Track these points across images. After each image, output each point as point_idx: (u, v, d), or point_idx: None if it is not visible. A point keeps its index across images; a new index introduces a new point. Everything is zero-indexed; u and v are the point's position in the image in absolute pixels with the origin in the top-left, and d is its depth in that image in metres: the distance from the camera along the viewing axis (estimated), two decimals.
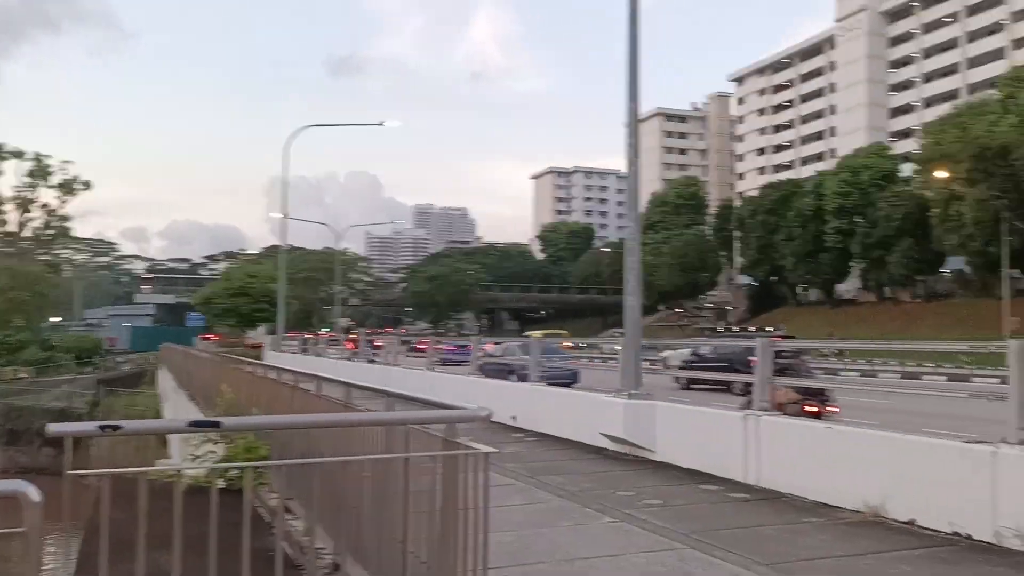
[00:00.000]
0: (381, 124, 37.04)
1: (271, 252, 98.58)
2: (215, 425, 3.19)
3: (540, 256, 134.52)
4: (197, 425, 3.16)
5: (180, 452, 15.67)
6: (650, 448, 10.55)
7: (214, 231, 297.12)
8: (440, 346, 24.87)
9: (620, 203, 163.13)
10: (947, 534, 6.19)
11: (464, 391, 16.49)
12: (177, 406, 24.76)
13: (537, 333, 51.86)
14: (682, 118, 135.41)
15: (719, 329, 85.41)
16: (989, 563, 5.55)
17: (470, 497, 3.39)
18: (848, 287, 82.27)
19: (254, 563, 4.34)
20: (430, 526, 3.66)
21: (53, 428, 3.02)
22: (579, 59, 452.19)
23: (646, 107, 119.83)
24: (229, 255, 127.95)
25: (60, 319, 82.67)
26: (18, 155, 75.98)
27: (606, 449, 11.32)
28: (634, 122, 11.34)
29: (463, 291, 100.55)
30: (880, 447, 6.93)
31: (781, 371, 9.28)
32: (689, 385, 21.96)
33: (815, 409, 10.43)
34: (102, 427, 3.10)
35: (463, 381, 18.12)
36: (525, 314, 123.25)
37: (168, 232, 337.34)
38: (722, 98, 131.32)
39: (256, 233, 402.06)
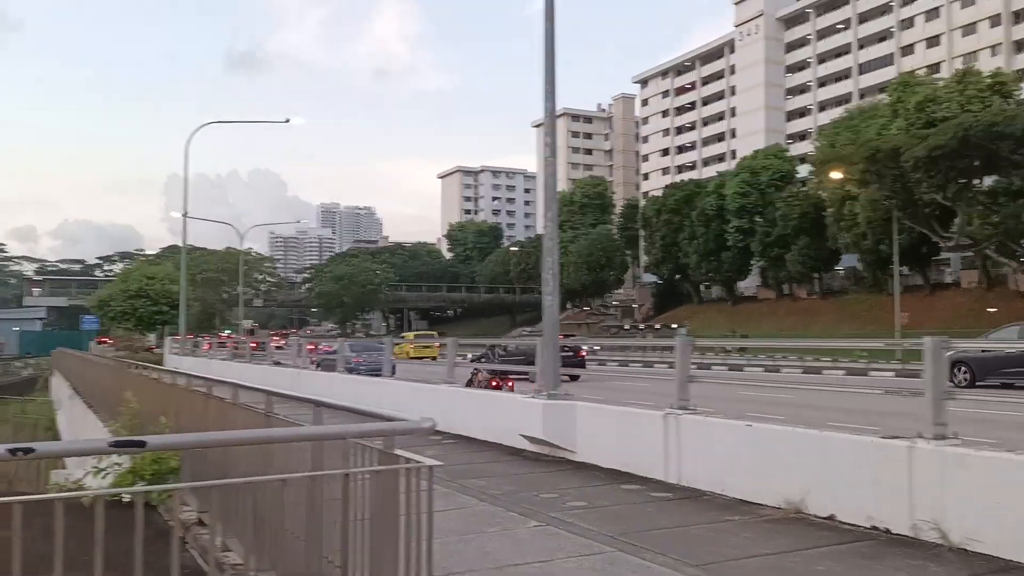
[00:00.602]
0: (287, 121, 36.25)
1: (170, 252, 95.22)
2: (140, 444, 2.96)
3: (448, 255, 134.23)
4: (120, 445, 2.93)
5: (79, 463, 14.88)
6: (570, 448, 10.57)
7: (109, 231, 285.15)
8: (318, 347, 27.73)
9: (528, 202, 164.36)
10: (867, 528, 6.38)
11: (378, 394, 16.22)
12: (73, 414, 23.59)
13: (410, 335, 52.51)
14: (588, 119, 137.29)
15: (625, 327, 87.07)
16: (908, 556, 5.73)
17: (412, 512, 3.26)
18: (748, 284, 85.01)
19: None
20: (364, 542, 3.51)
21: None
22: (485, 58, 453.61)
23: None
24: (125, 255, 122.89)
25: None
26: None
27: (525, 450, 11.30)
28: (551, 120, 11.38)
29: (370, 291, 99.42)
30: (799, 444, 7.10)
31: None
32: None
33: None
34: (12, 451, 2.84)
35: (374, 384, 17.84)
36: (433, 313, 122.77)
37: (59, 232, 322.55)
38: (627, 99, 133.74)
39: (154, 233, 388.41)
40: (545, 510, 7.58)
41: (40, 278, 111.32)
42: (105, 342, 53.65)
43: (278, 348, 30.36)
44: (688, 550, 6.04)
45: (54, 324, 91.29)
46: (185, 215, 35.69)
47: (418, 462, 3.23)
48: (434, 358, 34.57)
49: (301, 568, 4.86)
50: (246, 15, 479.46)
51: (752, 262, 78.43)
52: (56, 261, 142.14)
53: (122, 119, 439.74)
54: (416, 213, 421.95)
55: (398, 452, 3.47)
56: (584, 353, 24.29)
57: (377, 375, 19.12)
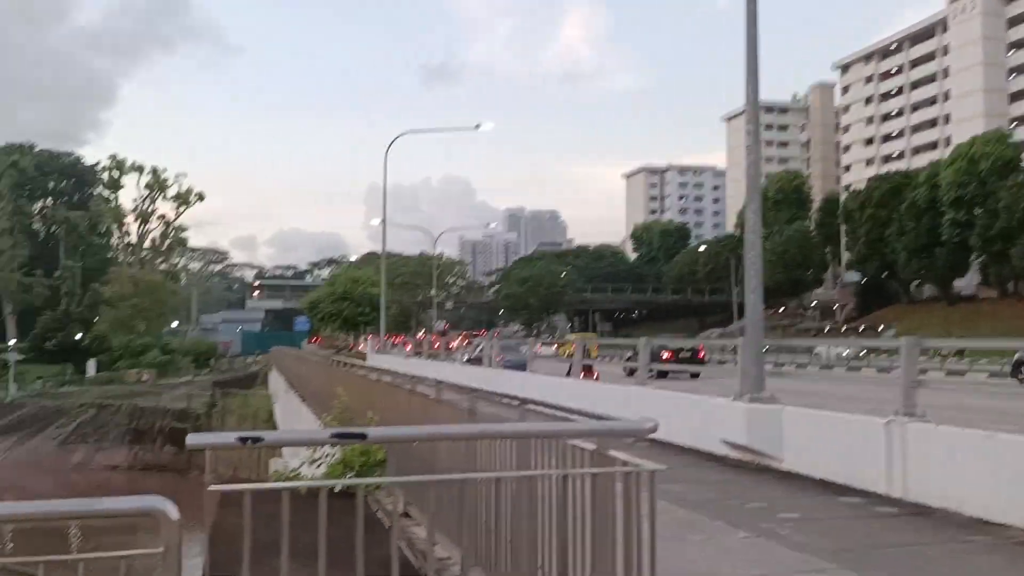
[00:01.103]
0: (477, 127, 37.18)
1: (370, 258, 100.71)
2: (361, 437, 2.97)
3: (633, 257, 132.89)
4: (342, 437, 2.95)
5: (294, 453, 15.80)
6: (776, 456, 9.99)
7: (317, 238, 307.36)
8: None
9: (716, 200, 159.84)
10: None
11: (571, 394, 16.16)
12: (288, 407, 25.32)
13: (572, 336, 52.77)
14: (782, 110, 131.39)
15: (824, 329, 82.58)
16: None
17: (632, 519, 3.07)
18: (966, 282, 78.05)
19: (374, 569, 4.26)
20: (582, 548, 3.35)
21: (193, 440, 2.86)
22: (672, 56, 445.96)
23: (743, 100, 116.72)
24: (332, 261, 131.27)
25: (178, 324, 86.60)
26: (138, 170, 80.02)
27: (726, 456, 10.81)
28: (754, 105, 10.82)
29: (555, 293, 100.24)
30: None
31: None
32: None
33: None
34: (242, 439, 2.92)
35: (564, 384, 17.81)
36: (618, 316, 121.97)
37: (275, 240, 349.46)
38: (825, 88, 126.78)
39: (356, 240, 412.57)
40: (754, 520, 7.16)
41: (259, 283, 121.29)
42: (315, 341, 57.59)
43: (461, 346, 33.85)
44: (925, 573, 5.45)
45: (271, 325, 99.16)
46: (384, 222, 37.49)
47: (637, 465, 3.04)
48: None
49: (509, 568, 4.80)
50: (442, 30, 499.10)
51: (971, 258, 71.96)
52: (272, 267, 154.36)
53: (330, 134, 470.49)
54: (600, 215, 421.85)
55: (613, 453, 3.29)
56: (703, 354, 25.05)
57: (522, 370, 21.61)
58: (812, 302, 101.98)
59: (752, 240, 10.83)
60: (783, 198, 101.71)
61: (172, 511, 2.57)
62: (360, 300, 48.34)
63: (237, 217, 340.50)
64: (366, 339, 51.50)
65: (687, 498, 8.17)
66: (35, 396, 57.60)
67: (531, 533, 3.86)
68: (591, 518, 3.26)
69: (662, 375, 19.66)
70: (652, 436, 10.85)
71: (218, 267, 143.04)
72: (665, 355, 21.90)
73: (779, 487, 8.84)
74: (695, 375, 21.24)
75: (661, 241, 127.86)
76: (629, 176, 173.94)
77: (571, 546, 3.31)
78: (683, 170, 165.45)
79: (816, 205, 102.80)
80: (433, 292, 60.91)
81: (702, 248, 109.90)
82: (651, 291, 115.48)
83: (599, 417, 3.41)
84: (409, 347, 37.65)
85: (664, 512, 7.68)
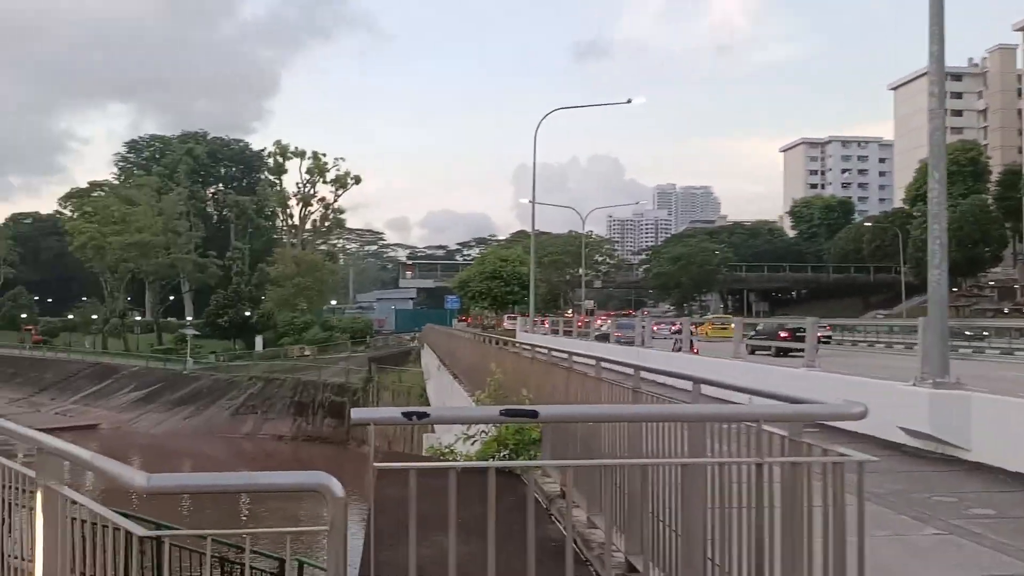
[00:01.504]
0: (628, 102, 36.50)
1: (519, 237, 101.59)
2: (532, 415, 2.76)
3: (791, 234, 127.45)
4: (512, 414, 2.74)
5: (447, 428, 15.95)
6: (963, 446, 9.14)
7: (467, 219, 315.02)
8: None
9: (883, 174, 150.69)
10: None
11: (734, 375, 15.52)
12: (440, 383, 25.83)
13: (709, 316, 51.13)
14: (957, 76, 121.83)
15: (1004, 310, 76.44)
16: None
17: (834, 516, 2.70)
18: None
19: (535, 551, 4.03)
20: (774, 544, 3.01)
21: (358, 415, 2.74)
22: (831, 24, 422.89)
23: (913, 67, 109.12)
24: (480, 241, 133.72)
25: (336, 303, 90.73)
26: (299, 155, 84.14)
27: (903, 445, 10.00)
28: (938, 64, 9.86)
29: (708, 272, 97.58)
30: None
31: None
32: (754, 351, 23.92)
33: None
34: (407, 415, 2.78)
35: (720, 365, 17.15)
36: (775, 295, 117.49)
37: (427, 221, 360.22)
38: (1006, 50, 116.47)
39: (504, 219, 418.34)
40: (943, 515, 6.53)
41: (411, 262, 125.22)
42: (464, 320, 58.77)
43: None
44: None
45: (422, 303, 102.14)
46: (533, 201, 37.53)
47: (844, 454, 2.67)
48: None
49: (680, 561, 4.50)
50: (594, 4, 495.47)
51: None
52: (423, 247, 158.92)
53: (479, 116, 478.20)
54: (755, 191, 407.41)
55: (807, 441, 2.93)
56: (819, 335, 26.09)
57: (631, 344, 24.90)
58: (990, 282, 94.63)
59: (936, 211, 9.93)
60: (957, 170, 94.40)
61: (338, 489, 2.46)
62: (509, 279, 48.81)
63: (391, 199, 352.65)
64: (510, 318, 52.03)
65: (868, 489, 7.56)
66: (209, 369, 61.90)
67: (699, 523, 3.57)
68: (784, 512, 2.92)
69: (781, 353, 21.12)
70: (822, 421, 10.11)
71: (373, 248, 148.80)
72: (783, 334, 23.29)
73: (968, 480, 8.08)
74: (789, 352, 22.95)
75: (822, 217, 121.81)
76: (787, 150, 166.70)
77: (766, 541, 2.98)
78: (846, 142, 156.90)
79: (995, 177, 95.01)
80: (582, 271, 60.68)
81: (867, 223, 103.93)
82: (811, 269, 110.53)
83: (795, 400, 3.04)
84: (547, 324, 39.19)
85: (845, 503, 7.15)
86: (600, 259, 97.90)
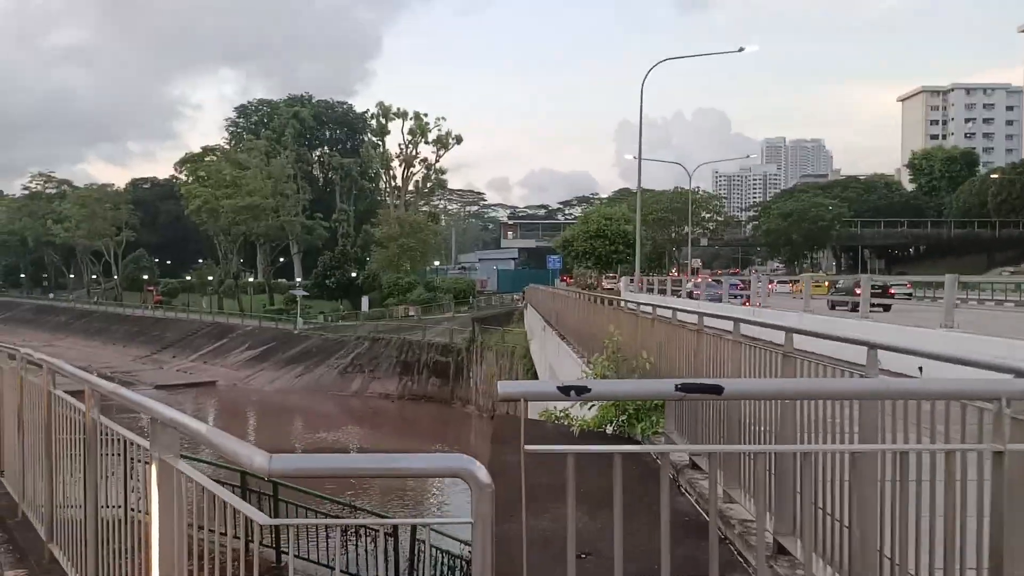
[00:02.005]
0: (740, 50, 34.80)
1: (621, 195, 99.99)
2: (715, 390, 2.26)
3: (910, 188, 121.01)
4: (689, 389, 2.25)
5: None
6: None
7: (568, 178, 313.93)
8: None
9: (1010, 123, 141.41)
10: None
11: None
12: (545, 344, 25.49)
13: (808, 275, 48.93)
14: None
15: None
16: None
17: None
18: None
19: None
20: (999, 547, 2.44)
21: (506, 388, 2.31)
22: None
23: None
24: (582, 200, 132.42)
25: (439, 264, 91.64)
26: (401, 116, 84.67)
27: None
28: None
29: (821, 228, 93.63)
30: None
31: None
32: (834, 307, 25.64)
33: None
34: (563, 389, 2.32)
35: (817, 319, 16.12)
36: (892, 252, 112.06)
37: (527, 181, 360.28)
38: None
39: (606, 178, 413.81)
40: None
41: (512, 223, 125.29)
42: (567, 280, 58.27)
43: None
44: None
45: (524, 264, 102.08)
46: (640, 157, 36.46)
47: None
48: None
49: (847, 552, 3.95)
50: None
51: None
52: (524, 207, 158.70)
53: (579, 73, 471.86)
54: (870, 144, 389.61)
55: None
56: (893, 291, 27.93)
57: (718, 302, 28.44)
58: None
59: None
60: None
61: (483, 475, 2.05)
62: (613, 238, 47.86)
63: (492, 159, 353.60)
64: (608, 278, 51.01)
65: None
66: (319, 329, 63.60)
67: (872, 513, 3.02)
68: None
69: (854, 308, 21.78)
70: None
71: (474, 208, 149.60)
72: (857, 291, 24.01)
73: None
74: (887, 308, 24.50)
75: (944, 169, 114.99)
76: (905, 99, 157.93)
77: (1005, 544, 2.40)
78: (970, 89, 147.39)
79: None
80: (688, 229, 59.06)
81: (994, 175, 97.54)
82: (930, 225, 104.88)
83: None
84: (641, 283, 39.62)
85: None
86: (707, 216, 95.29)
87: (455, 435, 44.25)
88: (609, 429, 9.45)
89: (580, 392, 2.37)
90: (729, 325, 6.65)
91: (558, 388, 2.39)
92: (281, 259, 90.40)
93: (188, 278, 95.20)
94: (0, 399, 6.79)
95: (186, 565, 2.91)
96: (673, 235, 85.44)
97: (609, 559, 2.69)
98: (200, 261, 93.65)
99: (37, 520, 5.52)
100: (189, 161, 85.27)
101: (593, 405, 9.52)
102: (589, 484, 7.85)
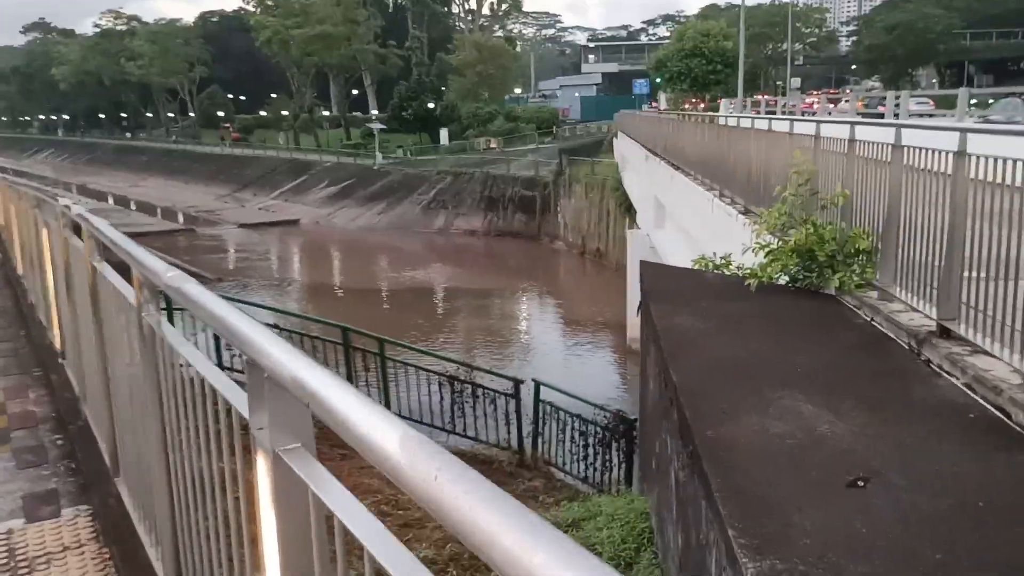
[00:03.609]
0: None
1: (710, 12, 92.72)
2: None
3: None
4: None
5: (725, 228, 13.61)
6: None
7: None
8: None
9: None
10: None
11: None
12: (652, 175, 23.37)
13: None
14: None
15: None
16: None
17: None
18: None
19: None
20: None
21: None
22: None
23: None
24: (668, 18, 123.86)
25: (520, 92, 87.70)
26: None
27: None
28: None
29: (929, 41, 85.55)
30: None
31: None
32: None
33: None
34: None
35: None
36: (1008, 66, 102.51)
37: (603, 1, 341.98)
38: None
39: None
40: None
41: (593, 45, 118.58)
42: (655, 106, 54.59)
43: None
44: None
45: (608, 90, 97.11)
46: None
47: None
48: None
49: None
50: None
51: None
52: (603, 29, 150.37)
53: None
54: None
55: None
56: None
57: None
58: None
59: None
60: None
61: None
62: (711, 56, 43.73)
63: None
64: (690, 103, 47.17)
65: None
66: (398, 164, 62.06)
67: None
68: None
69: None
70: None
71: (550, 32, 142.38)
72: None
73: None
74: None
75: None
76: None
77: None
78: None
79: None
80: (787, 46, 53.93)
81: None
82: None
83: None
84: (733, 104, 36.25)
85: None
86: (808, 31, 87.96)
87: (544, 272, 43.08)
88: (782, 280, 7.56)
89: None
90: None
91: None
92: (355, 91, 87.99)
93: (263, 114, 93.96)
94: (50, 266, 5.32)
95: None
96: (770, 52, 79.30)
97: (901, 489, 2.23)
98: (274, 96, 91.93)
99: (99, 432, 4.11)
100: None
101: (769, 247, 7.62)
102: (799, 357, 6.09)
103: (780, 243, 7.48)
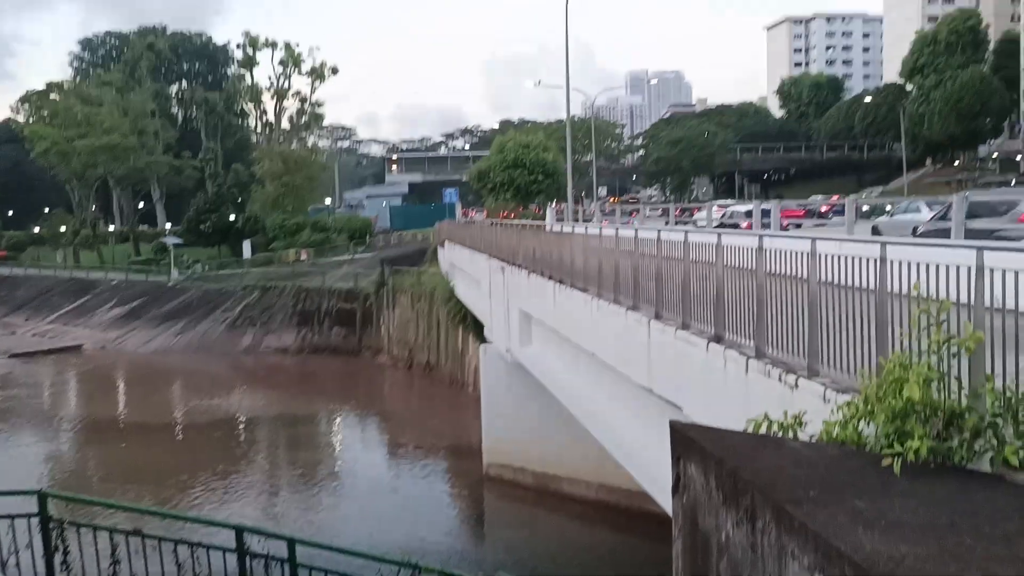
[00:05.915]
0: None
1: (504, 128, 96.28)
2: None
3: (778, 114, 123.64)
4: None
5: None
6: None
7: (439, 112, 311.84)
8: None
9: (867, 50, 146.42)
10: None
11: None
12: (511, 285, 22.24)
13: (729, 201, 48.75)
14: None
15: (1011, 183, 74.10)
16: None
17: None
18: None
19: None
20: None
21: None
22: None
23: None
24: (466, 131, 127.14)
25: (328, 201, 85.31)
26: (271, 46, 77.37)
27: None
28: None
29: (708, 155, 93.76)
30: None
31: None
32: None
33: None
34: None
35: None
36: (767, 176, 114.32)
37: (396, 116, 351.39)
38: None
39: (476, 111, 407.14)
40: None
41: (395, 157, 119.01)
42: (468, 214, 54.58)
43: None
44: None
45: (413, 199, 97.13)
46: (568, 80, 33.20)
47: None
48: None
49: None
50: None
51: None
52: (400, 141, 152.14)
53: (441, 3, 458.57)
54: (728, 74, 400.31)
55: None
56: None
57: None
58: (992, 153, 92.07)
59: None
60: (956, 40, 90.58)
61: None
62: (532, 167, 44.36)
63: (355, 94, 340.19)
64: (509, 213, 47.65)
65: None
66: (196, 280, 57.61)
67: None
68: None
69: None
70: None
71: (345, 144, 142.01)
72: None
73: None
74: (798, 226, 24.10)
75: (812, 95, 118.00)
76: (771, 28, 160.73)
77: None
78: (830, 18, 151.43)
79: (992, 47, 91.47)
80: (590, 157, 56.27)
81: (868, 99, 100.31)
82: (804, 149, 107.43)
83: None
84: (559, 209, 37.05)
85: None
86: (608, 143, 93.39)
87: (367, 390, 40.38)
88: (880, 446, 4.30)
89: None
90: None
91: None
92: (141, 205, 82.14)
93: (37, 230, 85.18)
94: None
95: None
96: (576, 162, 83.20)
97: None
98: (48, 210, 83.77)
99: None
100: (31, 99, 75.15)
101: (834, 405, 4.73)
102: None
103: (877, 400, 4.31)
